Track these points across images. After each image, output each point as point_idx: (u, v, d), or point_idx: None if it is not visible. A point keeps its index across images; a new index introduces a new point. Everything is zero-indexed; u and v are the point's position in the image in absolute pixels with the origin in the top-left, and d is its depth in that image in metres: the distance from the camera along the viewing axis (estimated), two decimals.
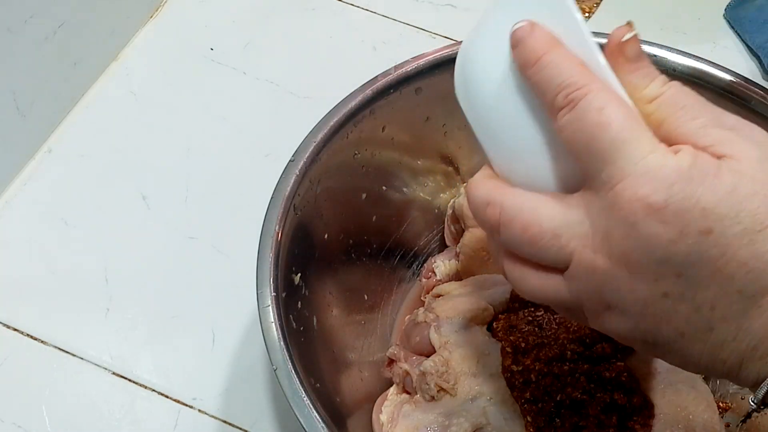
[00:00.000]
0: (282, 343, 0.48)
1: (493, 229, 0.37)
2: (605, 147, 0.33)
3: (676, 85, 0.35)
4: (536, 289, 0.37)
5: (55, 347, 0.64)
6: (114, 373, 0.63)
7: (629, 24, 0.36)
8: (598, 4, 0.85)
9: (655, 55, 0.58)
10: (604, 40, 0.36)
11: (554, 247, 0.35)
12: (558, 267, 0.36)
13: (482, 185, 0.39)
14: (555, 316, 0.54)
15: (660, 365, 0.53)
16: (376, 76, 0.58)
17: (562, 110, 0.34)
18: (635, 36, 0.36)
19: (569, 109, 0.34)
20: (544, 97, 0.35)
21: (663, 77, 0.36)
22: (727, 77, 0.57)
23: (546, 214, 0.35)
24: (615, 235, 0.33)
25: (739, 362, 0.35)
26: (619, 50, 0.36)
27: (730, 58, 0.81)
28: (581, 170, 0.35)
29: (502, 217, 0.37)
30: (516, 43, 0.36)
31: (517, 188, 0.37)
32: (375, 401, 0.57)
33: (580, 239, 0.35)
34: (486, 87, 0.38)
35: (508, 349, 0.53)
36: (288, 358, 0.48)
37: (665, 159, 0.33)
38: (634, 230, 0.33)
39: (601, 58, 0.35)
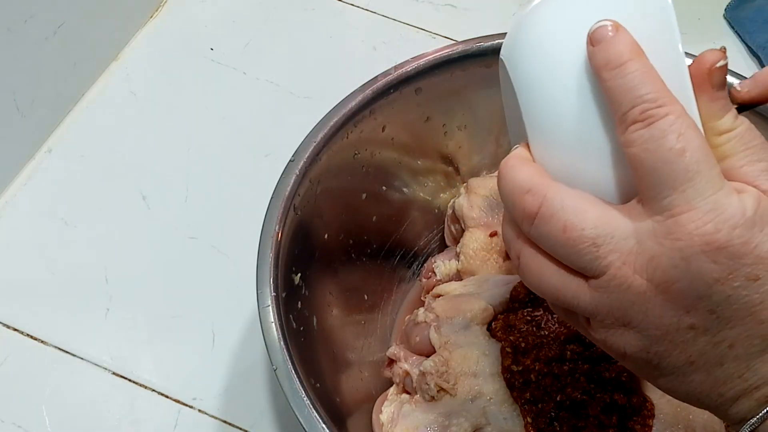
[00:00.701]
0: (282, 343, 0.48)
1: (525, 218, 0.36)
2: (676, 174, 0.32)
3: (747, 123, 0.35)
4: (551, 287, 0.36)
5: (55, 347, 0.64)
6: (114, 373, 0.63)
7: (722, 50, 0.35)
8: None
9: None
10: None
11: (590, 254, 0.34)
12: (584, 273, 0.35)
13: (523, 169, 0.36)
14: (554, 316, 0.54)
15: None
16: (376, 76, 0.58)
17: (636, 125, 0.33)
18: (726, 64, 0.35)
19: (644, 126, 0.33)
20: (616, 105, 0.34)
21: (734, 111, 0.35)
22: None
23: (590, 220, 0.34)
24: (662, 261, 0.33)
25: (735, 398, 0.35)
26: (708, 75, 0.35)
27: (730, 58, 0.80)
28: (638, 187, 0.34)
29: (543, 210, 0.35)
30: (596, 41, 0.34)
31: (560, 182, 0.36)
32: (375, 401, 0.57)
33: (621, 255, 0.34)
34: (548, 70, 0.36)
35: (508, 349, 0.53)
36: (288, 358, 0.48)
37: (731, 199, 0.33)
38: (684, 262, 0.33)
39: (688, 80, 0.34)
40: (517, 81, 0.37)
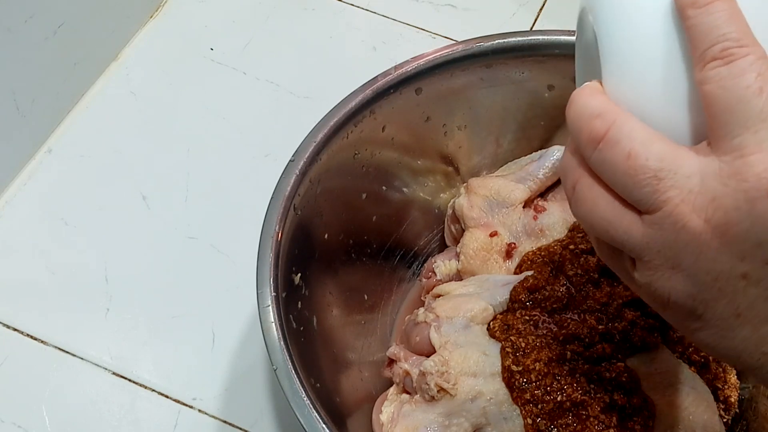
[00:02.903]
0: (282, 343, 0.48)
1: (590, 142, 0.35)
2: (750, 113, 0.32)
3: None
4: (603, 220, 0.36)
5: (55, 347, 0.64)
6: (114, 373, 0.63)
7: None
8: None
9: None
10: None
11: (650, 187, 0.34)
12: (639, 207, 0.34)
13: (596, 96, 0.36)
14: (551, 318, 0.54)
15: (660, 366, 0.53)
16: (376, 76, 0.58)
17: (714, 62, 0.33)
18: None
19: (723, 63, 0.32)
20: (697, 42, 0.33)
21: None
22: None
23: (656, 152, 0.34)
24: (725, 202, 0.32)
25: None
26: None
27: None
28: (709, 126, 0.33)
29: (610, 134, 0.35)
30: None
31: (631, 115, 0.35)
32: (375, 401, 0.57)
33: (681, 192, 0.33)
34: (630, 7, 0.36)
35: (509, 350, 0.53)
36: (288, 358, 0.48)
37: None
38: (748, 205, 0.32)
39: None
40: (599, 18, 0.37)
